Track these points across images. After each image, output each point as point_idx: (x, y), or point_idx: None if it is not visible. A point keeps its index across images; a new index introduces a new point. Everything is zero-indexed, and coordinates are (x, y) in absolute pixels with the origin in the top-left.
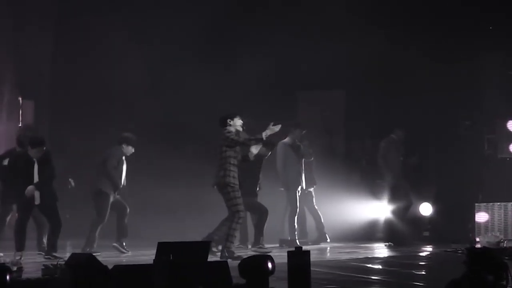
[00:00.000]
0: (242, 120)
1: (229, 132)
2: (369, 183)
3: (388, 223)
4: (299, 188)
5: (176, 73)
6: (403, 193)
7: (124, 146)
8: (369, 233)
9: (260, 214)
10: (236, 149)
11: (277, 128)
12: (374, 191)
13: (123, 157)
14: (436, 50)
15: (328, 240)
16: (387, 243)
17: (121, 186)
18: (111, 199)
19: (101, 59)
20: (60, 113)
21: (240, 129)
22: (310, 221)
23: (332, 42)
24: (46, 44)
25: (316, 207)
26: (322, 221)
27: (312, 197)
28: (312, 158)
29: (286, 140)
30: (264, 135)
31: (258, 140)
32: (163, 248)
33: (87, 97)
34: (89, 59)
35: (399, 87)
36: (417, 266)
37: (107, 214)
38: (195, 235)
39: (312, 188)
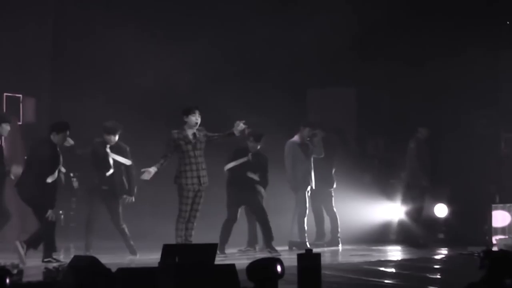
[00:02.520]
0: (198, 116)
1: (171, 133)
2: (382, 183)
3: (402, 225)
4: (309, 188)
5: (184, 67)
6: (418, 193)
7: (105, 136)
8: (382, 235)
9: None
10: (184, 148)
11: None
12: (387, 192)
13: (107, 148)
14: (451, 47)
15: (340, 245)
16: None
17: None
18: (98, 197)
19: (102, 54)
20: (61, 109)
21: (195, 127)
22: (325, 222)
23: (342, 38)
24: (45, 40)
25: (334, 209)
26: (338, 225)
27: (331, 197)
28: (323, 155)
29: (295, 139)
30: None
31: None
32: (168, 251)
33: (88, 93)
34: (90, 54)
35: (412, 83)
36: (431, 270)
37: (94, 214)
38: (203, 236)
39: (332, 188)
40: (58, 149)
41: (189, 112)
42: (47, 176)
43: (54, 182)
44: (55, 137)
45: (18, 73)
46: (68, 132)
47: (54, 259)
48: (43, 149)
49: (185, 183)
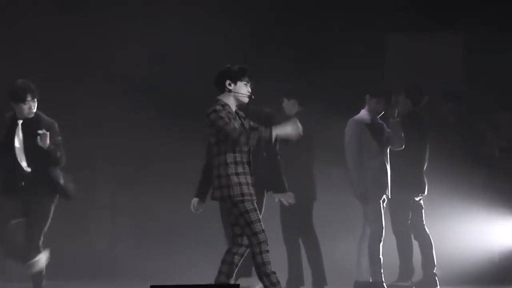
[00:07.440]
0: (250, 82)
1: (216, 111)
2: (506, 187)
3: None
4: (384, 197)
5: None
6: None
7: (13, 105)
8: (506, 271)
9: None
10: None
11: (297, 130)
12: None
13: (19, 124)
14: None
15: (438, 286)
16: None
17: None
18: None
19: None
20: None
21: (246, 100)
22: (415, 250)
23: None
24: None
25: (427, 230)
26: (433, 253)
27: (421, 210)
28: (404, 146)
29: (360, 116)
30: (274, 134)
31: (262, 142)
32: None
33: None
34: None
35: None
36: None
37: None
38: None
39: (422, 196)
40: None
41: (241, 75)
42: None
43: None
44: None
45: None
46: None
47: None
48: None
49: (240, 193)
